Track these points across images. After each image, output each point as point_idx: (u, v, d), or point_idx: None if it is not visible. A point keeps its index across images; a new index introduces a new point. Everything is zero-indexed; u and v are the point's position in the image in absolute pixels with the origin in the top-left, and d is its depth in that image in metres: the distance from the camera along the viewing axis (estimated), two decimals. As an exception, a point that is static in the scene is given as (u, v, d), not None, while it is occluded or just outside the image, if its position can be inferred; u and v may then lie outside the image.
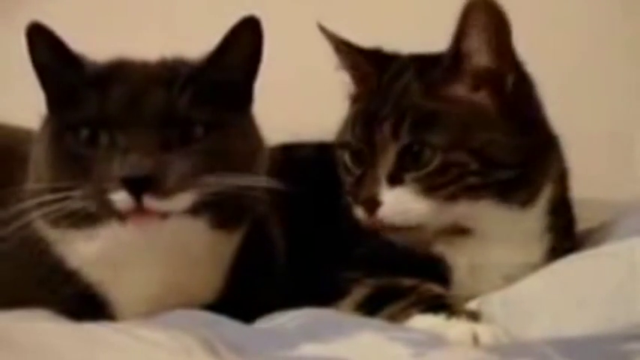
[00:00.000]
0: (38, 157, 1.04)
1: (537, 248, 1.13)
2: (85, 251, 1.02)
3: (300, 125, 1.26)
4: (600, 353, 0.84)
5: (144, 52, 1.08)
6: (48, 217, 0.99)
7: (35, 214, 1.00)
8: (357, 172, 1.13)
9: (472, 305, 1.05)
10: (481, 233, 1.11)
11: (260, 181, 1.03)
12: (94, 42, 1.05)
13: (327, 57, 1.20)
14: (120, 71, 1.04)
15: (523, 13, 1.14)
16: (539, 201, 1.13)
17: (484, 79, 1.10)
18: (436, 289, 1.06)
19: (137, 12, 1.64)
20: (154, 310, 1.02)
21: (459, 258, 1.12)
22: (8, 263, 1.04)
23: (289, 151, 1.27)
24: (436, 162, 1.07)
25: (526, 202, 1.11)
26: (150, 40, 1.09)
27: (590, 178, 1.19)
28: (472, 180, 1.08)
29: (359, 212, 1.10)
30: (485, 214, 1.10)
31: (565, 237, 1.15)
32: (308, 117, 1.36)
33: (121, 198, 0.96)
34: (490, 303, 1.04)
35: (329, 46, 1.20)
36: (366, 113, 1.13)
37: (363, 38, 1.20)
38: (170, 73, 1.03)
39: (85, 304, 1.04)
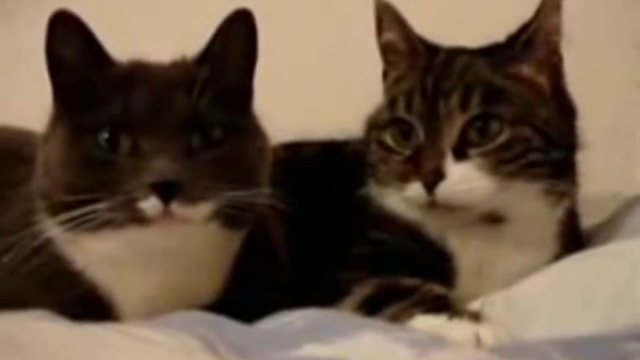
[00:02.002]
0: (50, 159, 1.02)
1: (545, 254, 1.14)
2: (94, 252, 1.01)
3: (301, 125, 1.26)
4: (602, 353, 0.84)
5: (139, 50, 1.07)
6: (70, 227, 0.98)
7: (48, 221, 1.00)
8: (407, 150, 1.11)
9: (474, 306, 1.05)
10: (512, 225, 1.11)
11: (269, 195, 1.03)
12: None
13: (326, 57, 1.20)
14: (139, 72, 1.03)
15: (523, 10, 1.16)
16: (568, 198, 1.14)
17: (547, 64, 1.14)
18: (438, 289, 1.06)
19: (133, 11, 1.64)
20: (157, 311, 1.01)
21: (468, 257, 1.12)
22: (12, 264, 1.03)
23: (291, 151, 1.26)
24: (503, 136, 1.08)
25: (563, 194, 1.13)
26: (147, 39, 1.08)
27: (591, 177, 1.18)
28: (534, 156, 1.09)
29: (414, 189, 1.08)
30: (531, 200, 1.11)
31: (571, 247, 1.15)
32: (309, 116, 1.36)
33: (150, 205, 0.95)
34: (492, 303, 1.04)
35: (327, 45, 1.20)
36: (424, 88, 1.12)
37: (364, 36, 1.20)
38: (187, 75, 1.03)
39: (89, 305, 1.03)
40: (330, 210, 1.16)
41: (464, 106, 1.09)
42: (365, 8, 1.21)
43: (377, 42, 1.20)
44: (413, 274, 1.08)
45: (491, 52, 1.16)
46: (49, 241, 1.01)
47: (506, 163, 1.08)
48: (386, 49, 1.19)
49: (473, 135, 1.09)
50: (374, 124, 1.17)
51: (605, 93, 1.52)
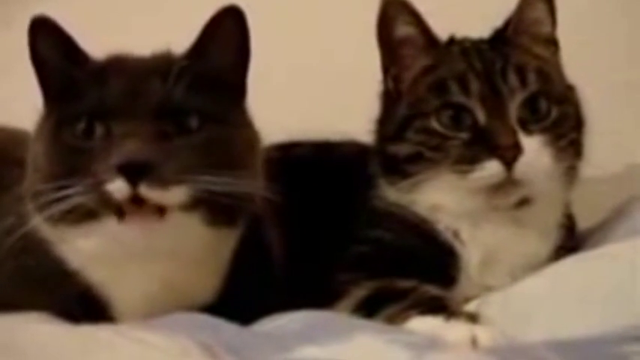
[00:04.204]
0: (37, 154, 1.04)
1: (549, 244, 1.15)
2: (84, 250, 1.01)
3: (299, 125, 1.26)
4: (599, 355, 0.85)
5: (136, 46, 1.08)
6: (49, 216, 0.99)
7: (38, 218, 1.00)
8: (462, 134, 1.11)
9: (471, 307, 1.05)
10: (535, 208, 1.13)
11: (257, 187, 1.02)
12: (91, 41, 1.06)
13: (326, 57, 1.20)
14: (116, 65, 1.04)
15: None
16: (574, 183, 1.16)
17: (552, 44, 1.18)
18: (434, 290, 1.06)
19: (133, 12, 1.64)
20: (154, 310, 1.02)
21: (476, 252, 1.12)
22: (7, 265, 1.03)
23: (286, 151, 1.26)
24: (554, 113, 1.11)
25: (574, 179, 1.15)
26: (145, 42, 1.08)
27: (590, 178, 1.18)
28: (574, 135, 1.13)
29: (491, 167, 1.08)
30: (556, 180, 1.12)
31: (569, 237, 1.17)
32: (307, 116, 1.36)
33: (117, 187, 0.95)
34: (489, 304, 1.04)
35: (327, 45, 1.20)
36: (475, 71, 1.12)
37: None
38: (165, 65, 1.03)
39: (86, 305, 1.04)
40: (326, 211, 1.17)
41: (523, 83, 1.11)
42: (362, 9, 1.21)
43: (382, 39, 1.18)
44: (414, 273, 1.08)
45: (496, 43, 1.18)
46: (44, 242, 1.02)
47: (559, 140, 1.11)
48: (400, 45, 1.18)
49: (527, 113, 1.10)
50: (413, 114, 1.15)
51: (603, 94, 1.52)
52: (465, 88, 1.12)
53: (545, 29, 1.18)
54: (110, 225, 0.98)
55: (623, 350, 0.84)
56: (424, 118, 1.13)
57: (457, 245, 1.13)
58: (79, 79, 1.02)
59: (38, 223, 1.01)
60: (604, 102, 1.28)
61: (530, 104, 1.11)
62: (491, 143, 1.08)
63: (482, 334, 0.94)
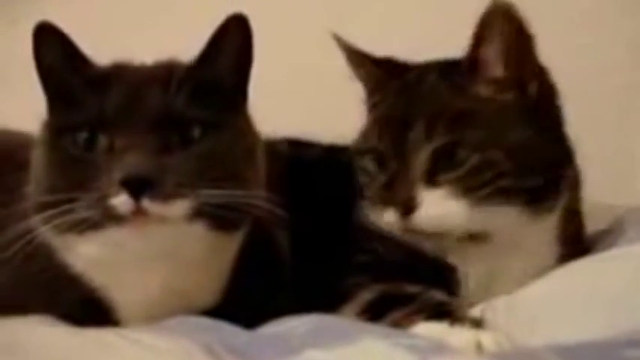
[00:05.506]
0: (37, 162, 1.04)
1: (549, 257, 1.14)
2: (87, 255, 1.02)
3: (301, 127, 1.26)
4: (602, 359, 0.84)
5: (142, 54, 1.09)
6: (53, 228, 0.99)
7: (42, 229, 1.00)
8: (383, 177, 1.11)
9: (475, 312, 1.05)
10: (499, 240, 1.10)
11: (259, 196, 1.02)
12: (95, 45, 1.06)
13: (328, 60, 1.20)
14: (118, 74, 1.04)
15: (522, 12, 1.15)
16: (557, 210, 1.12)
17: (505, 85, 1.10)
18: (439, 295, 1.06)
19: (135, 14, 1.64)
20: (157, 314, 1.02)
21: (473, 266, 1.12)
22: (11, 270, 1.03)
23: (295, 150, 1.26)
24: (472, 161, 1.06)
25: (549, 209, 1.11)
26: (148, 43, 1.09)
27: (591, 181, 1.18)
28: (505, 182, 1.06)
29: (389, 216, 1.09)
30: (510, 220, 1.09)
31: (575, 245, 1.16)
32: (309, 118, 1.36)
33: (120, 201, 0.95)
34: (494, 309, 1.04)
35: (330, 48, 1.20)
36: (392, 117, 1.12)
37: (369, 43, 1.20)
38: (166, 74, 1.03)
39: (89, 309, 1.04)
40: (333, 215, 1.17)
41: (428, 136, 1.08)
42: (362, 9, 1.21)
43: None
44: (419, 277, 1.08)
45: (457, 67, 1.13)
46: (46, 247, 1.02)
47: (477, 189, 1.06)
48: (363, 80, 1.19)
49: (442, 161, 1.07)
50: (357, 149, 1.16)
51: (601, 96, 1.52)
52: (379, 137, 1.12)
53: (496, 71, 1.10)
54: (112, 232, 0.98)
55: (628, 355, 0.83)
56: (361, 156, 1.15)
57: (450, 263, 1.12)
58: (81, 86, 1.02)
59: (42, 231, 1.01)
60: (606, 104, 1.29)
61: (444, 153, 1.07)
62: (391, 193, 1.09)
63: (487, 339, 0.94)
